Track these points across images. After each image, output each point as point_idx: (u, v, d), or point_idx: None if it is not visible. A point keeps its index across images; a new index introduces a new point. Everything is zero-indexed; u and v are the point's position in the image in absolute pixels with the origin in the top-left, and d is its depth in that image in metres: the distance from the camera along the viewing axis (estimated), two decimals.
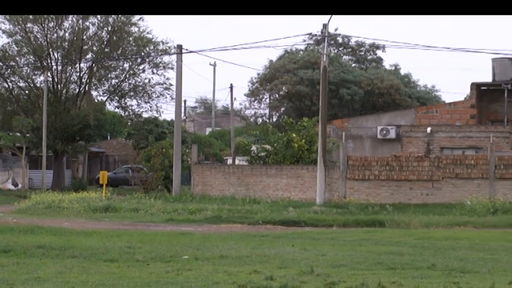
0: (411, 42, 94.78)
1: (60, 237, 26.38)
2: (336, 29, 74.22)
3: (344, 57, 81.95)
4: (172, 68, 60.70)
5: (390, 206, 38.58)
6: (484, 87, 49.94)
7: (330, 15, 42.69)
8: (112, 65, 66.05)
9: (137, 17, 64.46)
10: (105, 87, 67.49)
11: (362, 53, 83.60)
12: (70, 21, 64.00)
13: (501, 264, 19.86)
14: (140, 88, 66.87)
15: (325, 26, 43.02)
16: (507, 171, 40.82)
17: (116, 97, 67.91)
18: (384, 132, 48.43)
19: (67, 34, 64.41)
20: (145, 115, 69.76)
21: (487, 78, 50.20)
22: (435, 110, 51.72)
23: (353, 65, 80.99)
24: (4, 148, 62.98)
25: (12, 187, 63.09)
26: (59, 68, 64.76)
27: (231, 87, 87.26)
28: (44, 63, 63.87)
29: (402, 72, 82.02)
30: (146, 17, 65.44)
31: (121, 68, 66.57)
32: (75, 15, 63.43)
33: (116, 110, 70.03)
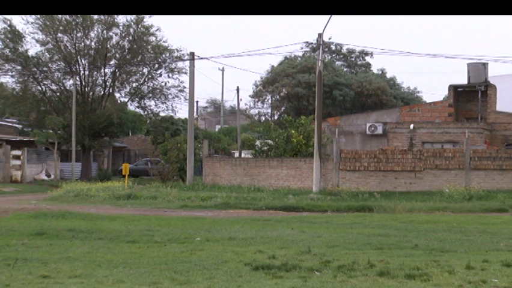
0: (396, 49, 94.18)
1: (88, 222, 26.32)
2: (329, 38, 73.96)
3: (337, 62, 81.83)
4: (186, 73, 60.60)
5: (377, 194, 38.53)
6: (460, 89, 49.86)
7: (324, 26, 42.50)
8: (133, 70, 66.13)
9: (155, 27, 64.68)
10: (127, 90, 67.63)
11: (353, 59, 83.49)
12: (95, 32, 64.28)
13: (476, 245, 19.86)
14: (158, 90, 66.93)
15: (320, 35, 42.84)
16: (481, 162, 40.78)
17: (136, 98, 67.94)
18: (373, 128, 48.34)
19: (92, 43, 64.48)
20: (162, 114, 69.98)
21: (463, 80, 50.10)
22: (417, 109, 51.69)
23: (345, 69, 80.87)
24: (38, 143, 62.78)
25: (45, 177, 63.09)
26: (86, 72, 64.81)
27: (237, 89, 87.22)
28: (73, 69, 63.97)
29: (388, 75, 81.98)
30: (162, 26, 65.28)
31: (140, 72, 66.59)
32: (100, 26, 63.47)
33: (137, 109, 70.10)
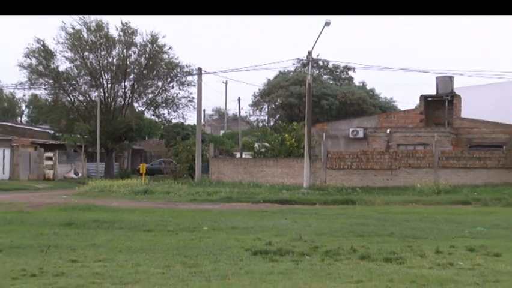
0: (374, 64, 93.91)
1: (110, 213, 26.33)
2: (318, 55, 73.50)
3: (324, 76, 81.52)
4: (194, 85, 60.33)
5: (359, 189, 38.47)
6: (430, 98, 49.75)
7: (313, 45, 42.46)
8: (149, 84, 66.03)
9: (167, 46, 64.65)
10: (144, 100, 67.48)
11: (338, 73, 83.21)
12: (116, 50, 64.15)
13: (444, 232, 19.87)
14: (170, 101, 66.84)
15: (309, 52, 42.83)
16: (448, 161, 40.78)
17: (152, 107, 67.88)
18: (355, 133, 48.27)
19: (114, 60, 64.37)
20: (174, 121, 69.72)
21: (432, 91, 50.04)
22: (393, 116, 51.58)
23: (331, 82, 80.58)
24: (68, 146, 62.80)
25: (74, 176, 63.03)
26: (109, 85, 64.76)
27: (239, 99, 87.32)
28: (97, 82, 63.91)
29: (368, 87, 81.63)
30: (173, 44, 65.14)
31: (155, 85, 66.49)
32: (120, 45, 63.53)
33: (152, 117, 69.83)
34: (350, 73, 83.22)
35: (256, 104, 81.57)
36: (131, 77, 65.15)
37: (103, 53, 63.87)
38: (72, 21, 63.00)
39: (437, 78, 49.15)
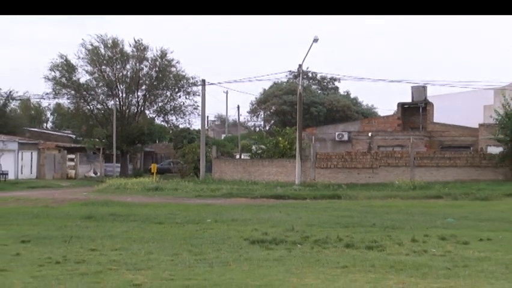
0: (357, 75, 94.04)
1: (125, 208, 26.33)
2: (307, 68, 73.49)
3: (313, 86, 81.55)
4: (199, 95, 59.91)
5: (344, 185, 38.49)
6: (406, 106, 49.75)
7: (303, 59, 42.49)
8: (159, 93, 65.88)
9: (175, 60, 64.65)
10: (154, 108, 67.29)
11: (325, 84, 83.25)
12: (130, 64, 64.11)
13: (419, 223, 19.90)
14: (177, 108, 66.65)
15: (300, 65, 42.87)
16: (422, 161, 40.76)
17: (161, 114, 67.70)
18: (340, 136, 48.28)
19: (128, 73, 64.28)
20: (181, 126, 69.52)
21: (408, 99, 49.99)
22: (374, 121, 51.55)
23: (319, 91, 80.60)
24: (88, 149, 62.92)
25: (93, 175, 63.04)
26: (124, 95, 64.67)
27: (238, 107, 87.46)
28: (113, 92, 63.83)
29: (352, 95, 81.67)
30: (180, 57, 64.92)
31: (164, 95, 66.25)
32: (134, 60, 63.61)
33: (162, 123, 69.84)
34: (336, 83, 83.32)
35: (253, 111, 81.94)
36: (143, 87, 65.08)
37: (118, 66, 63.86)
38: (91, 38, 63.45)
39: (412, 87, 49.15)
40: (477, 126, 45.30)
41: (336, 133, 48.70)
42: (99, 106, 65.84)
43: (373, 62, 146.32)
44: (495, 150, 40.61)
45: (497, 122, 39.38)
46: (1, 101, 70.22)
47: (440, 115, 49.98)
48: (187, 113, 66.85)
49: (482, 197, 32.10)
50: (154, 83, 64.87)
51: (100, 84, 64.44)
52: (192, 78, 65.05)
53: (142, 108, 66.18)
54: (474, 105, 52.27)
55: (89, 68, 63.86)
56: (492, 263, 12.17)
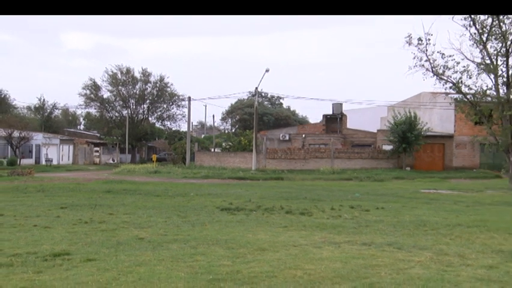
0: (295, 95, 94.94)
1: (133, 185, 25.97)
2: (261, 89, 73.98)
3: (265, 102, 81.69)
4: (186, 107, 59.78)
5: (286, 171, 38.58)
6: (328, 116, 50.14)
7: (258, 83, 42.46)
8: (158, 106, 65.58)
9: (170, 83, 64.82)
10: (155, 116, 66.89)
11: (273, 100, 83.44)
12: (138, 85, 63.86)
13: (336, 197, 19.98)
14: (171, 116, 66.45)
15: (256, 88, 42.82)
16: (339, 154, 41.03)
17: (160, 120, 67.30)
18: (283, 136, 48.35)
19: (137, 91, 63.85)
20: (173, 129, 69.26)
21: (330, 111, 50.41)
22: (307, 126, 51.93)
23: (269, 106, 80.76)
24: (108, 144, 62.74)
25: (111, 162, 62.29)
26: (134, 107, 64.25)
27: (213, 116, 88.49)
28: (126, 105, 63.53)
29: (292, 109, 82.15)
30: (173, 80, 64.14)
31: (162, 107, 65.97)
32: (141, 82, 63.33)
33: (160, 126, 69.36)
34: (281, 100, 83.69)
35: (224, 119, 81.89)
36: (147, 102, 64.88)
37: (130, 87, 63.51)
38: (111, 67, 63.28)
39: (333, 104, 49.56)
40: (376, 131, 45.90)
41: (281, 134, 48.80)
42: (116, 114, 65.18)
43: (307, 85, 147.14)
44: (388, 147, 41.22)
45: (389, 128, 40.01)
46: (48, 110, 70.69)
47: (352, 123, 50.50)
48: (177, 119, 66.94)
49: (379, 179, 32.57)
50: (155, 99, 64.71)
51: (117, 99, 63.86)
52: (181, 96, 65.11)
53: (147, 116, 65.73)
54: (374, 117, 53.03)
55: (109, 87, 63.43)
56: (384, 224, 12.33)
